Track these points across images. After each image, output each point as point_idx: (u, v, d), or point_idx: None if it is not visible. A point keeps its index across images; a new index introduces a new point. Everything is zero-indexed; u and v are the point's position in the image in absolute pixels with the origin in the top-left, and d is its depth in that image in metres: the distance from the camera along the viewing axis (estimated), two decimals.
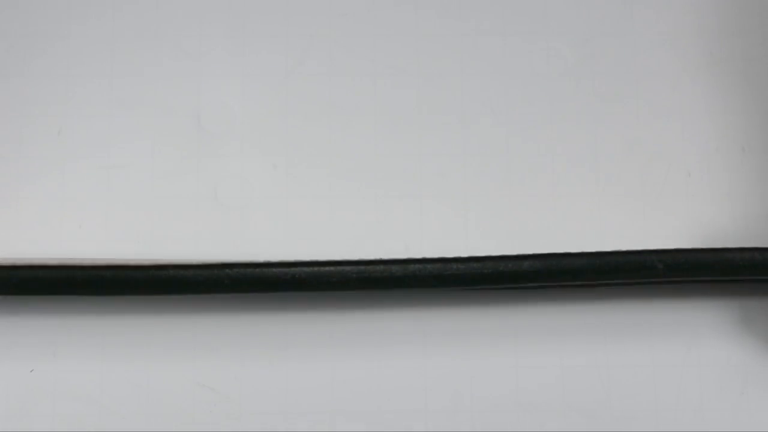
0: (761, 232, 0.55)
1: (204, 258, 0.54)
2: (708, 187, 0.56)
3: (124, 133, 0.56)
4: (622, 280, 0.50)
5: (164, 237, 0.54)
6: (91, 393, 0.53)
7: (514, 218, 0.55)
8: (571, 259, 0.50)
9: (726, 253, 0.49)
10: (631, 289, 0.55)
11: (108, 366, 0.53)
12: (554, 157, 0.56)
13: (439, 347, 0.54)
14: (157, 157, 0.56)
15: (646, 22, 0.57)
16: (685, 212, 0.55)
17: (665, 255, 0.49)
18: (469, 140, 0.56)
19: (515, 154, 0.56)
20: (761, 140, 0.56)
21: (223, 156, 0.56)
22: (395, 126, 0.56)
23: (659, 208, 0.55)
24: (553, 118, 0.56)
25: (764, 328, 0.54)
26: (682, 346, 0.54)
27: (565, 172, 0.56)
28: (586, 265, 0.50)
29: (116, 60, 0.57)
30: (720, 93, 0.57)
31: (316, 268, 0.50)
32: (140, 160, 0.56)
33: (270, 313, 0.54)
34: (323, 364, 0.54)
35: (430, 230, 0.54)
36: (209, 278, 0.50)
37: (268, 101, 0.56)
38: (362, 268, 0.51)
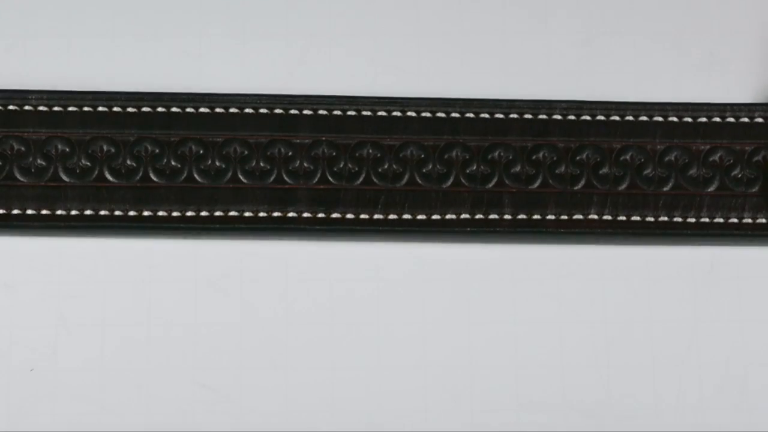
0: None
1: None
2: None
3: None
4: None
5: None
6: (91, 393, 0.53)
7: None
8: None
9: None
10: (630, 287, 0.55)
11: (108, 366, 0.53)
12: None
13: (439, 346, 0.54)
14: None
15: (646, 22, 0.57)
16: None
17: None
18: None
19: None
20: None
21: None
22: None
23: None
24: None
25: (765, 329, 0.54)
26: (682, 345, 0.54)
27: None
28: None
29: (116, 60, 0.56)
30: (720, 93, 0.56)
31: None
32: None
33: (269, 312, 0.54)
34: (323, 363, 0.54)
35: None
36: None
37: None
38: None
